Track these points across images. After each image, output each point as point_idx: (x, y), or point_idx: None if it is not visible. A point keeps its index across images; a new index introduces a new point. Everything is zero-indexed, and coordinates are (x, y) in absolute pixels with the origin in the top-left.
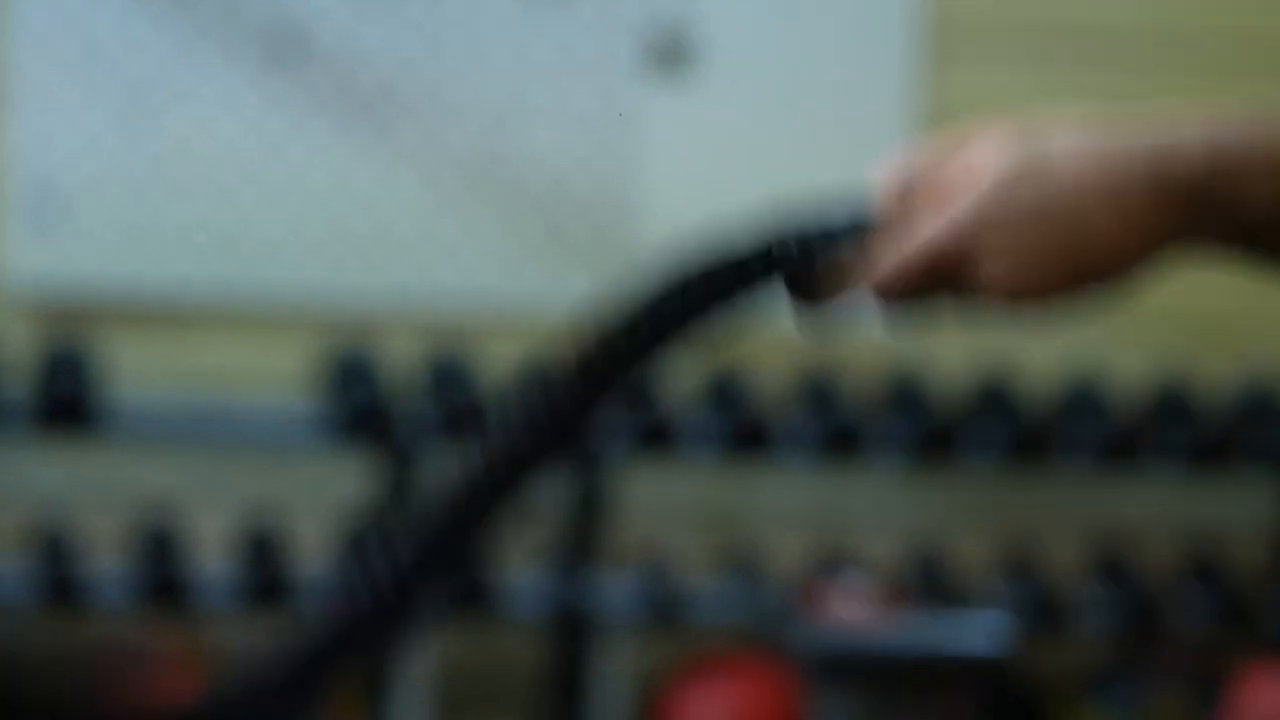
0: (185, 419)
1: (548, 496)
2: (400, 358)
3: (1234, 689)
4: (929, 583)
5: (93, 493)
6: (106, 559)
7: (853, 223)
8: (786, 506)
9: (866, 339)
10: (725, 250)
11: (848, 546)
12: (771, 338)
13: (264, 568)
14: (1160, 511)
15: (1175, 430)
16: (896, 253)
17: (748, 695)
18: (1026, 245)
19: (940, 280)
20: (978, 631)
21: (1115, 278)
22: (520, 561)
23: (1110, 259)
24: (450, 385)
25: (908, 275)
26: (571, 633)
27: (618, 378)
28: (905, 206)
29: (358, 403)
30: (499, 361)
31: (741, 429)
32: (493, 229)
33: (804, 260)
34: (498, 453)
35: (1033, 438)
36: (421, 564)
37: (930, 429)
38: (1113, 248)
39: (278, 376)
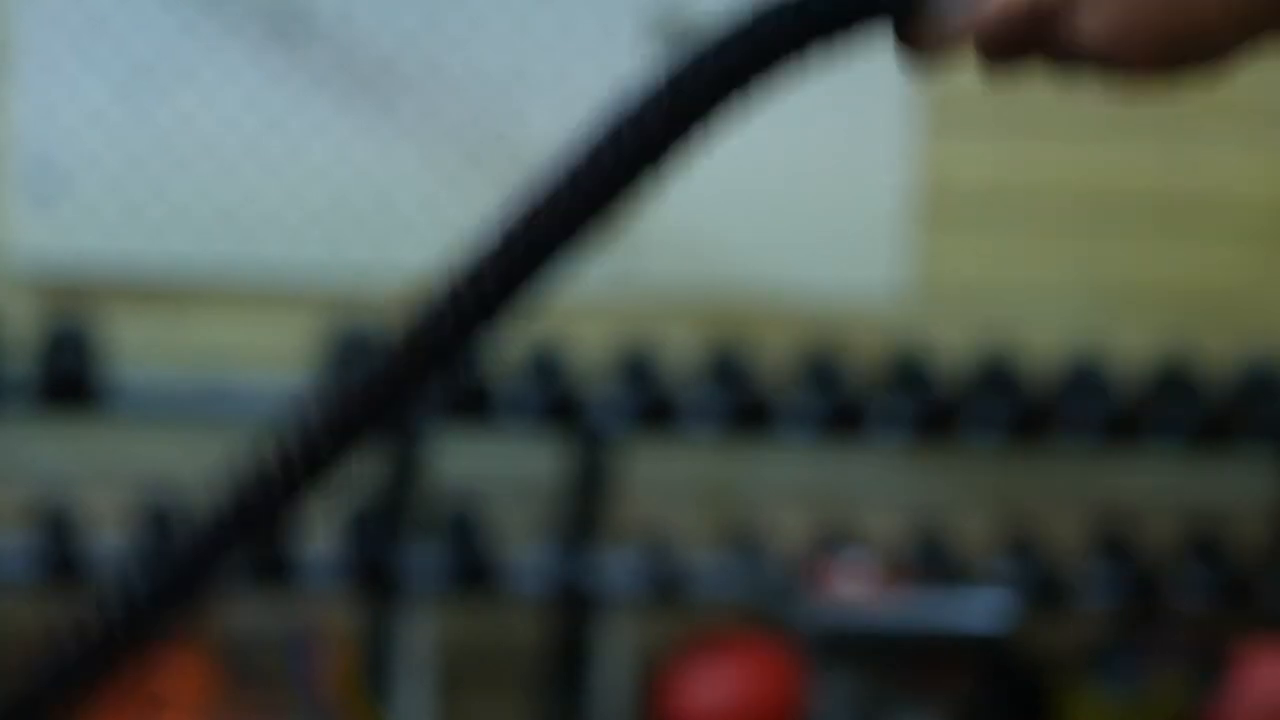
0: (187, 396)
1: (549, 473)
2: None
3: (1234, 666)
4: (930, 560)
5: (94, 470)
6: (108, 536)
7: None
8: (788, 483)
9: (868, 316)
10: None
11: (849, 524)
12: (774, 313)
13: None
14: (1161, 489)
15: (1177, 408)
16: None
17: (749, 672)
18: None
19: (1040, 32)
20: (979, 609)
21: (1213, 49)
22: (522, 538)
23: (1212, 23)
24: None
25: (1010, 21)
26: (573, 609)
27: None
28: None
29: None
30: (499, 338)
31: (743, 406)
32: (493, 206)
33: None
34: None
35: (1034, 415)
36: (224, 531)
37: (932, 406)
38: (1218, 7)
39: (279, 354)
